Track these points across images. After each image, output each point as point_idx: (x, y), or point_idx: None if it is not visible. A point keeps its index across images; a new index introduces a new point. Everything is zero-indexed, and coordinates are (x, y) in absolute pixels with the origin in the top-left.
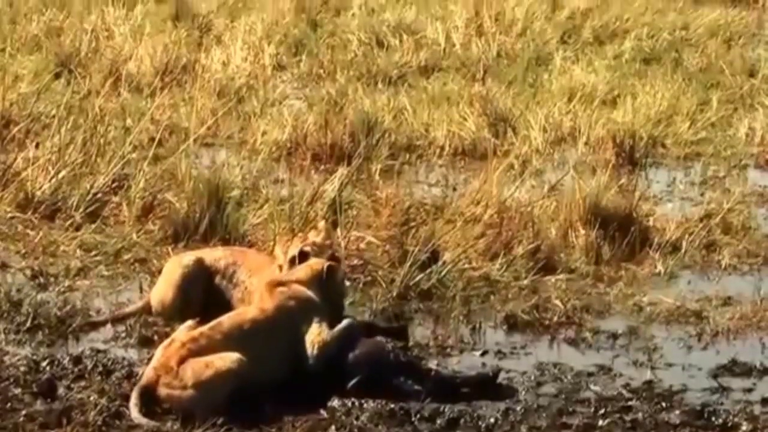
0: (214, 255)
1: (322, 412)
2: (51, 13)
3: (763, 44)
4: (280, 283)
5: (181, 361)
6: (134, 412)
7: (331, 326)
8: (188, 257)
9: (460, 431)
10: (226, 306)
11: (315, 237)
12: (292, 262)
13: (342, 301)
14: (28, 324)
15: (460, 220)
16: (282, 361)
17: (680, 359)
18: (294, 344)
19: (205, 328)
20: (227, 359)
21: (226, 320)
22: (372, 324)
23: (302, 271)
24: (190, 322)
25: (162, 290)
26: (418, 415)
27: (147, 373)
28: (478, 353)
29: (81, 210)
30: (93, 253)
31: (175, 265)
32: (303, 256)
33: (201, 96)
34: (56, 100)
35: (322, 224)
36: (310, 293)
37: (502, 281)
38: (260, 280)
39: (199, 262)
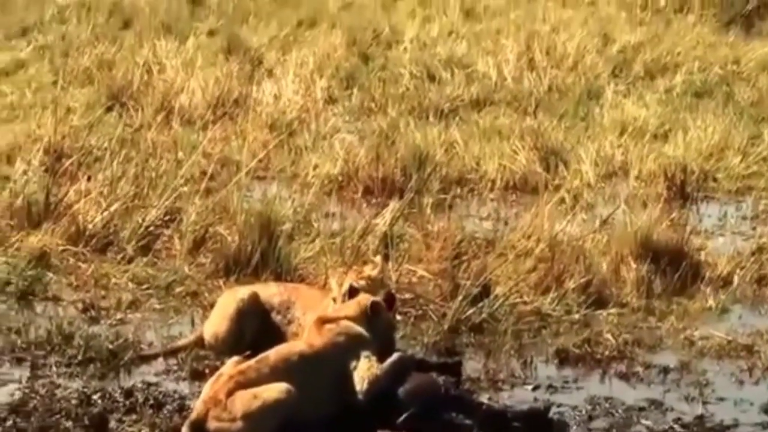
0: (269, 291)
1: None
2: (103, 46)
3: None
4: (329, 320)
5: (230, 393)
6: None
7: (382, 361)
8: (243, 291)
9: None
10: (278, 342)
11: (370, 271)
12: (343, 298)
13: (392, 336)
14: (80, 357)
15: (512, 254)
16: (330, 396)
17: (732, 394)
18: (343, 380)
19: (252, 362)
20: (275, 390)
21: (274, 354)
22: (425, 360)
23: (351, 307)
24: (236, 358)
25: (216, 324)
26: None
27: (197, 407)
28: (529, 387)
29: (133, 243)
30: (145, 286)
31: (230, 299)
32: (353, 292)
33: (252, 129)
34: (108, 133)
35: (377, 258)
36: (359, 329)
37: (553, 315)
38: (313, 316)
39: (254, 297)
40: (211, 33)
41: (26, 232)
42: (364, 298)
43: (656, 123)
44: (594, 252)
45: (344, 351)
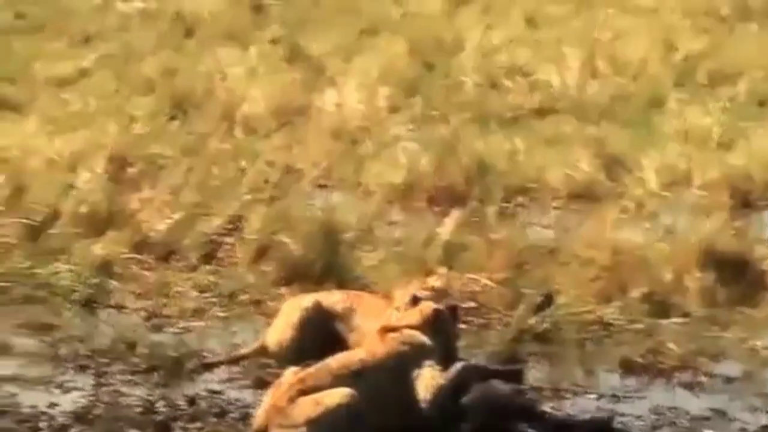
0: (332, 299)
1: None
2: (166, 54)
3: None
4: (392, 329)
5: (291, 401)
6: None
7: (445, 370)
8: (307, 300)
9: None
10: (341, 350)
11: (434, 282)
12: (406, 307)
13: (455, 344)
14: (144, 365)
15: (575, 263)
16: (392, 405)
17: None
18: (405, 389)
19: (312, 369)
20: (336, 395)
21: (334, 361)
22: (487, 367)
23: (413, 315)
24: (295, 368)
25: (279, 332)
26: None
27: (258, 416)
28: (593, 397)
29: (196, 251)
30: (208, 294)
31: (294, 307)
32: (416, 301)
33: (315, 137)
34: (171, 142)
35: (442, 269)
36: (422, 337)
37: (616, 324)
38: (376, 325)
39: (318, 305)
40: (274, 41)
41: (90, 240)
42: (427, 307)
43: (719, 131)
44: (657, 261)
45: (407, 360)
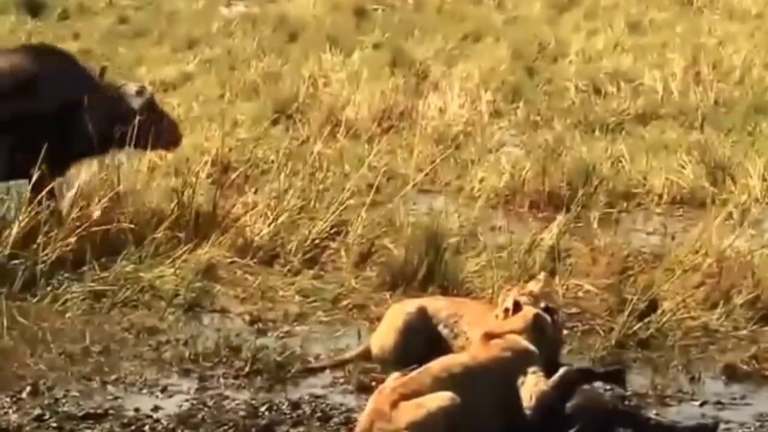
0: (437, 304)
1: None
2: (269, 59)
3: None
4: (495, 335)
5: (393, 405)
6: None
7: (547, 375)
8: (411, 305)
9: None
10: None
11: (534, 287)
12: (507, 312)
13: (557, 350)
14: (247, 369)
15: (679, 269)
16: (495, 410)
17: None
18: (508, 395)
19: (414, 373)
20: (438, 398)
21: (436, 365)
22: (588, 369)
23: (516, 321)
24: (397, 374)
25: (383, 336)
26: None
27: (361, 421)
28: (697, 403)
29: (299, 256)
30: (311, 298)
31: (398, 312)
32: (517, 307)
33: (418, 142)
34: (274, 146)
35: (542, 275)
36: (525, 343)
37: (721, 331)
38: (481, 330)
39: (422, 311)
40: (377, 46)
41: (193, 244)
42: (529, 312)
43: None
44: (762, 267)
45: (510, 366)
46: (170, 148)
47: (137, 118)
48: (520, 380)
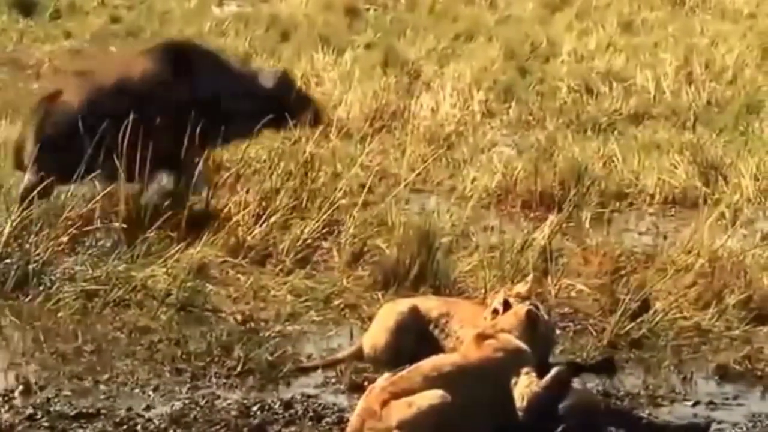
0: (428, 304)
1: None
2: (261, 58)
3: None
4: (488, 335)
5: (384, 404)
6: None
7: (539, 374)
8: (403, 304)
9: None
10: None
11: (521, 288)
12: (495, 313)
13: (549, 350)
14: (239, 368)
15: (672, 269)
16: (486, 410)
17: None
18: (500, 395)
19: (404, 372)
20: (428, 396)
21: (426, 364)
22: (577, 363)
23: (507, 319)
24: (389, 374)
25: (375, 336)
26: None
27: (352, 421)
28: (689, 404)
29: (291, 255)
30: (303, 298)
31: (390, 311)
32: (507, 306)
33: (411, 142)
34: (267, 146)
35: (530, 276)
36: (518, 342)
37: (713, 331)
38: (472, 330)
39: (414, 310)
40: (369, 46)
41: (186, 243)
42: (521, 308)
43: None
44: (755, 267)
45: (502, 366)
46: (312, 125)
47: (278, 99)
48: (512, 381)
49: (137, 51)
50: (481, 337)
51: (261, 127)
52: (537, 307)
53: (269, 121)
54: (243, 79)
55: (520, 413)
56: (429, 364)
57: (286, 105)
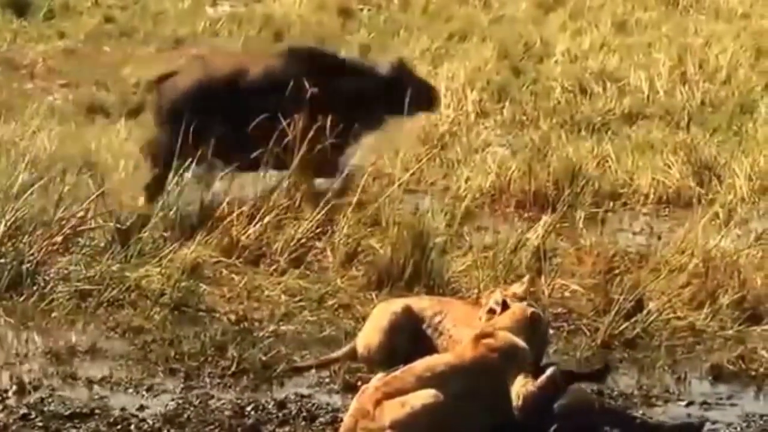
0: (421, 304)
1: None
2: None
3: None
4: (486, 335)
5: (377, 404)
6: None
7: (534, 374)
8: (396, 304)
9: None
10: (430, 355)
11: (517, 288)
12: (491, 313)
13: (543, 350)
14: (233, 369)
15: (665, 269)
16: (480, 409)
17: None
18: (495, 395)
19: (398, 372)
20: (421, 396)
21: (420, 364)
22: (572, 371)
23: (506, 318)
24: (382, 374)
25: (369, 336)
26: None
27: (345, 421)
28: (683, 403)
29: (285, 255)
30: (297, 298)
31: (383, 311)
32: (504, 306)
33: (404, 142)
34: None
35: (526, 277)
36: (517, 340)
37: (707, 331)
38: (468, 330)
39: (407, 310)
40: (363, 46)
41: (179, 243)
42: (518, 308)
43: None
44: (749, 268)
45: (498, 365)
46: (427, 112)
47: (397, 86)
48: (508, 380)
49: (265, 52)
50: (480, 338)
51: (386, 116)
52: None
53: (391, 108)
54: (364, 73)
55: (516, 412)
56: (423, 364)
57: (405, 92)
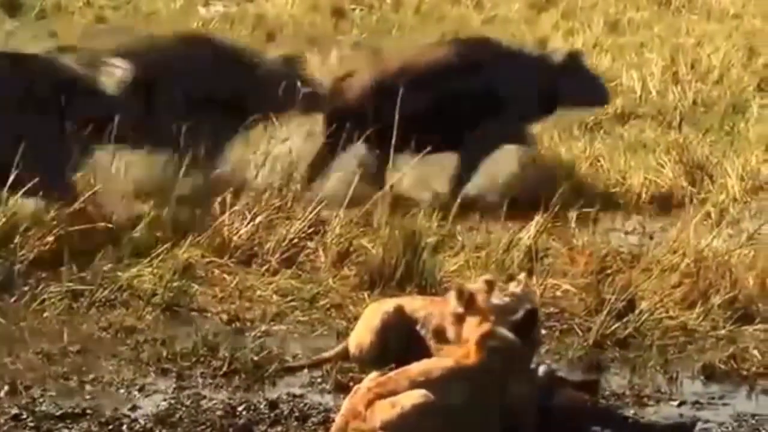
0: (415, 304)
1: None
2: None
3: None
4: (488, 335)
5: (369, 405)
6: None
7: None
8: (389, 304)
9: None
10: (422, 355)
11: (514, 288)
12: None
13: (536, 350)
14: (225, 368)
15: (657, 269)
16: (475, 412)
17: None
18: (491, 397)
19: (392, 374)
20: (412, 396)
21: (415, 368)
22: (563, 378)
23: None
24: (374, 374)
25: (361, 336)
26: None
27: (336, 422)
28: (675, 403)
29: (277, 255)
30: (289, 298)
31: (376, 311)
32: (471, 303)
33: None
34: (253, 145)
35: (521, 276)
36: (514, 340)
37: (699, 331)
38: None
39: (400, 310)
40: (355, 46)
41: (171, 243)
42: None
43: None
44: (740, 267)
45: (496, 369)
46: (597, 105)
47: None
48: (504, 381)
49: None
50: (482, 339)
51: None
52: (534, 310)
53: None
54: (537, 62)
55: (508, 412)
56: (418, 367)
57: (577, 83)
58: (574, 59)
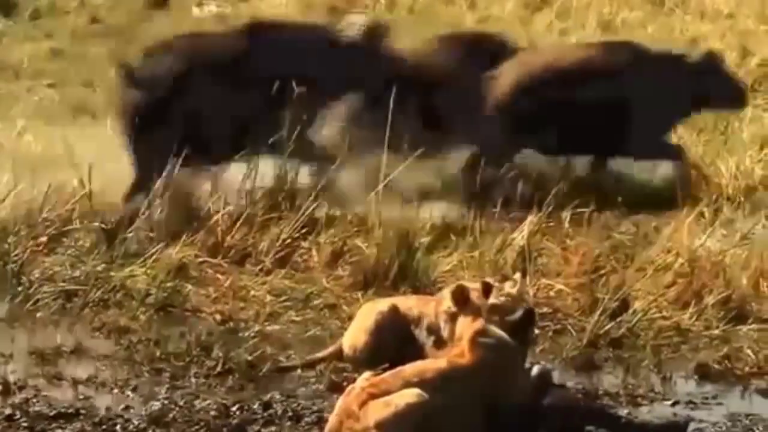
0: (408, 303)
1: None
2: None
3: None
4: (481, 333)
5: (362, 404)
6: None
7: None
8: (383, 304)
9: None
10: (416, 355)
11: (510, 288)
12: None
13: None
14: (219, 369)
15: (651, 269)
16: (470, 412)
17: None
18: (486, 397)
19: (386, 375)
20: (406, 396)
21: (409, 369)
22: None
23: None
24: (368, 373)
25: (355, 336)
26: None
27: (330, 421)
28: (668, 403)
29: (271, 255)
30: (283, 298)
31: (369, 311)
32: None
33: None
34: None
35: (517, 275)
36: (509, 342)
37: (692, 330)
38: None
39: (394, 310)
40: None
41: (165, 243)
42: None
43: None
44: (734, 267)
45: (494, 368)
46: (737, 107)
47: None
48: (499, 381)
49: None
50: (476, 335)
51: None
52: (532, 311)
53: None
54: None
55: (504, 411)
56: (412, 368)
57: (715, 85)
58: (712, 59)
